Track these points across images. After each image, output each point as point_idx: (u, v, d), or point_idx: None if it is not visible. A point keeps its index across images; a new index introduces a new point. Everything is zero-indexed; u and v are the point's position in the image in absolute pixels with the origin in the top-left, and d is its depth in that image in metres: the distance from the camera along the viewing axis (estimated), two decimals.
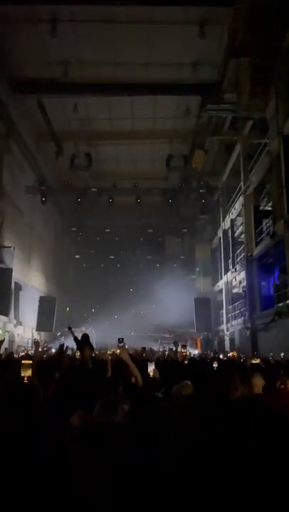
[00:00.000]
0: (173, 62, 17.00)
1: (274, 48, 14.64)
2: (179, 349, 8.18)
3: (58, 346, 7.16)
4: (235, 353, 14.11)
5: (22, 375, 3.28)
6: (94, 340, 13.55)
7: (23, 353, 13.55)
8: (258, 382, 3.46)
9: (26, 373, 3.30)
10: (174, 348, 9.18)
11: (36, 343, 5.69)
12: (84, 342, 9.64)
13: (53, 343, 18.43)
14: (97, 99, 19.12)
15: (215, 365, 7.19)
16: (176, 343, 9.25)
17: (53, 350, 13.96)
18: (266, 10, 13.74)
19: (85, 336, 9.81)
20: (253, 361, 6.70)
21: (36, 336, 21.73)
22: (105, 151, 23.40)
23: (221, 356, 13.69)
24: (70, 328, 10.01)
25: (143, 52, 16.58)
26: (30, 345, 19.50)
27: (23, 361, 3.45)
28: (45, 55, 16.48)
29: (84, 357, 5.26)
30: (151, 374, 3.97)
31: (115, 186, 22.35)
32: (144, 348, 11.07)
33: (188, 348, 17.30)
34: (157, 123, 21.10)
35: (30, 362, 3.42)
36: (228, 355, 14.82)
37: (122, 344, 4.13)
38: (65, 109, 19.43)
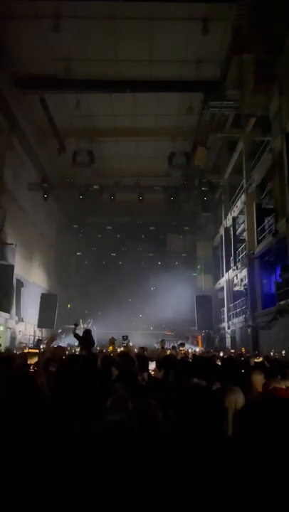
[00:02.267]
0: (176, 58, 16.91)
1: (278, 44, 14.57)
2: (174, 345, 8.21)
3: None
4: (243, 350, 14.13)
5: (28, 362, 3.33)
6: (95, 336, 13.55)
7: (25, 350, 13.58)
8: (258, 380, 3.43)
9: (32, 361, 3.35)
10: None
11: (51, 338, 5.60)
12: (85, 338, 9.65)
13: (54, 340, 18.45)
14: (99, 95, 19.07)
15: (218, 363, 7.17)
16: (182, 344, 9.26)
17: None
18: (270, 6, 13.65)
19: (86, 332, 9.81)
20: (256, 360, 6.69)
21: (43, 333, 21.80)
22: (107, 148, 23.36)
23: (221, 354, 13.69)
24: (76, 325, 10.01)
25: (146, 49, 16.51)
26: (32, 342, 19.51)
27: (30, 350, 3.52)
28: (47, 51, 16.40)
29: (89, 353, 5.26)
30: (152, 373, 3.97)
31: (117, 183, 22.32)
32: (142, 348, 10.98)
33: (190, 345, 17.29)
34: (159, 120, 21.03)
35: (37, 351, 3.49)
36: (232, 351, 14.83)
37: (126, 342, 4.13)
38: (67, 106, 19.37)
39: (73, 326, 10.48)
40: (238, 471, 1.99)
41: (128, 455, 2.09)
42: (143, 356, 6.45)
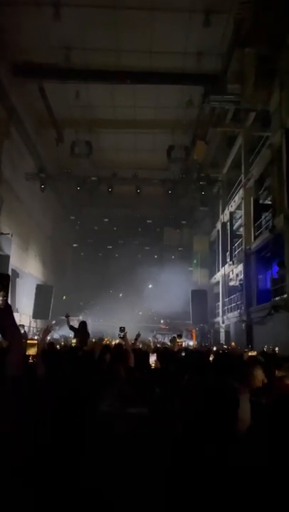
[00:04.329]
0: (177, 50, 16.76)
1: (280, 39, 14.47)
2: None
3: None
4: (233, 344, 14.19)
5: (27, 353, 3.32)
6: (90, 329, 13.57)
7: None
8: (259, 375, 3.47)
9: (31, 352, 3.35)
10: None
11: (47, 330, 5.57)
12: (81, 330, 9.65)
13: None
14: (99, 86, 18.88)
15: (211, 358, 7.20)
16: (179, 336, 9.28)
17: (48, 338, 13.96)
18: (273, 0, 13.55)
19: (83, 324, 9.80)
20: (250, 353, 6.75)
21: (39, 324, 21.80)
22: (106, 139, 23.21)
23: (215, 348, 13.72)
24: (67, 316, 10.00)
25: (147, 40, 16.35)
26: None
27: (28, 341, 3.50)
28: (47, 40, 16.20)
29: (86, 345, 5.26)
30: (153, 365, 3.99)
31: (115, 175, 22.22)
32: (138, 335, 11.02)
33: (184, 339, 17.34)
34: (159, 112, 20.89)
35: (35, 342, 3.48)
36: (224, 346, 14.89)
37: (123, 333, 4.12)
38: (66, 96, 19.19)
39: (67, 318, 10.43)
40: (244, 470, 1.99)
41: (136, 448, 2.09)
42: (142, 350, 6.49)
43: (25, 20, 15.21)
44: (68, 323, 10.28)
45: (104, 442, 1.95)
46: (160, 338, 21.96)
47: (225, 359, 6.87)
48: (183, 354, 7.11)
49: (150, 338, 18.34)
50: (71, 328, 9.98)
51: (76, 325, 10.17)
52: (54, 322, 21.25)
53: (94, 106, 20.50)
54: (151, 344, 12.75)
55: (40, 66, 17.16)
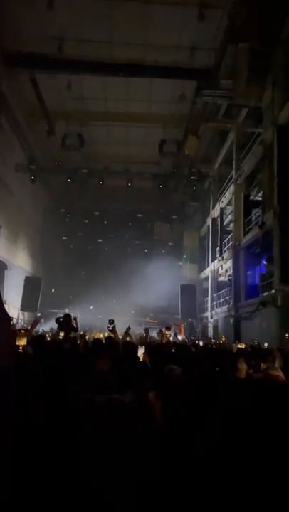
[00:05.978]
0: (170, 44, 16.67)
1: (274, 34, 14.47)
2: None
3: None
4: (223, 338, 14.32)
5: (17, 343, 3.33)
6: (79, 322, 13.57)
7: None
8: (243, 367, 3.54)
9: (21, 342, 3.36)
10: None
11: (35, 322, 5.64)
12: (65, 323, 9.63)
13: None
14: (91, 78, 18.72)
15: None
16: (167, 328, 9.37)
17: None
18: None
19: (67, 316, 9.79)
20: (239, 346, 6.84)
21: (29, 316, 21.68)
22: (98, 132, 23.06)
23: (201, 343, 13.81)
24: (73, 318, 9.98)
25: (141, 33, 16.22)
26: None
27: (20, 330, 3.51)
28: (40, 30, 15.97)
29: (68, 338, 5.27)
30: (141, 358, 4.01)
31: (106, 169, 22.13)
32: (129, 328, 11.12)
33: (172, 333, 17.39)
34: (152, 106, 20.81)
35: (26, 332, 3.49)
36: (212, 341, 14.99)
37: (112, 326, 4.14)
38: (58, 87, 19.02)
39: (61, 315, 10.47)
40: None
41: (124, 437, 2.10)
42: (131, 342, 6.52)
43: (18, 9, 14.96)
44: (59, 319, 10.29)
45: (90, 430, 1.96)
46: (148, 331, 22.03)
47: (214, 353, 6.95)
48: (173, 351, 7.17)
49: (141, 331, 18.38)
50: (57, 320, 10.05)
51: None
52: (39, 314, 21.17)
53: (86, 98, 20.33)
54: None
55: (33, 56, 16.93)
